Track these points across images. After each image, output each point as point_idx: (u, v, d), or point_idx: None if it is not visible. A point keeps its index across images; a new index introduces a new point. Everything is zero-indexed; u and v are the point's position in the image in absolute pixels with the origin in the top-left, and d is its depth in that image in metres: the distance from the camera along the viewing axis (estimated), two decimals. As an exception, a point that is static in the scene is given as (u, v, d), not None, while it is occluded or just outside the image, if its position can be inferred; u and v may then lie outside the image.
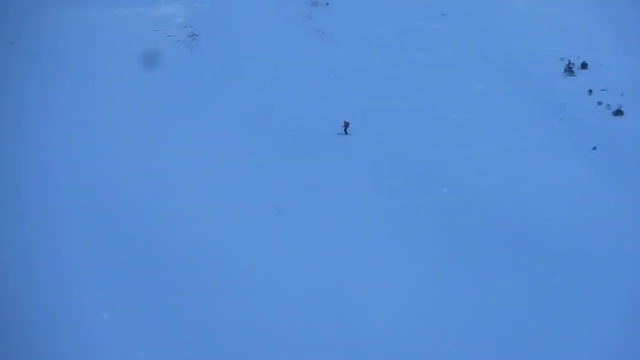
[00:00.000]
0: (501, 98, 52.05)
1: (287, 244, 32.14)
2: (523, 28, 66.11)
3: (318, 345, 26.17)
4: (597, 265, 32.58)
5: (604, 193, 39.55)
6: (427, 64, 56.98)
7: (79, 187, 34.85)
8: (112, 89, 46.26)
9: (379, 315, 27.97)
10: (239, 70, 53.10)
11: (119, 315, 26.81)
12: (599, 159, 43.71)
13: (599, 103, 51.88)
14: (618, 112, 50.42)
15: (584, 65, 58.00)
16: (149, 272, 29.41)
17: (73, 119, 41.64)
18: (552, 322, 28.66)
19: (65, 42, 51.77)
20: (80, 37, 53.30)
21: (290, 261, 30.84)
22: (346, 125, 44.42)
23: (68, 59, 49.45)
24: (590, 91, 53.37)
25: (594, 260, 32.98)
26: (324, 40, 59.87)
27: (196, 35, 57.54)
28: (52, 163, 36.69)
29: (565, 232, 35.27)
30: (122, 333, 26.00)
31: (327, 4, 67.76)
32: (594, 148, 44.71)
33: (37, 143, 38.28)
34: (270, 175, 38.28)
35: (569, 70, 57.43)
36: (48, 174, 35.72)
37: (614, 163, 43.32)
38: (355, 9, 67.28)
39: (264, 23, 61.15)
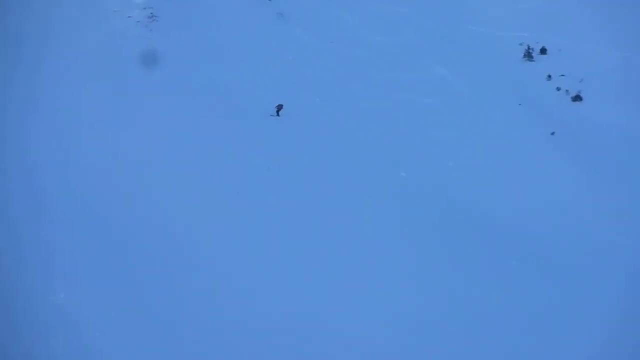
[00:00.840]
0: (462, 82, 52.05)
1: (242, 231, 31.58)
2: (484, 12, 66.26)
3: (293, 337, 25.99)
4: (556, 249, 32.99)
5: (563, 177, 39.92)
6: (388, 47, 56.80)
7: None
8: (71, 71, 45.49)
9: (339, 305, 27.76)
10: (198, 51, 52.52)
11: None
12: (557, 144, 43.92)
13: (558, 88, 52.19)
14: (577, 98, 50.74)
15: (543, 51, 58.23)
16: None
17: (34, 99, 41.03)
18: (522, 304, 28.97)
19: (22, 23, 50.89)
20: (37, 15, 52.46)
21: (257, 253, 30.40)
22: (279, 107, 43.94)
23: (25, 40, 48.61)
24: (549, 76, 53.65)
25: (554, 245, 33.30)
26: (284, 22, 59.48)
27: (156, 16, 56.92)
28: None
29: (523, 215, 35.54)
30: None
31: (288, -15, 67.41)
32: (553, 133, 44.93)
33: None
34: (228, 158, 37.96)
35: (528, 55, 57.67)
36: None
37: (573, 148, 43.66)
38: (315, -9, 67.00)
39: (224, 5, 60.62)
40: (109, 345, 24.72)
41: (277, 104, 43.73)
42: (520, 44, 58.21)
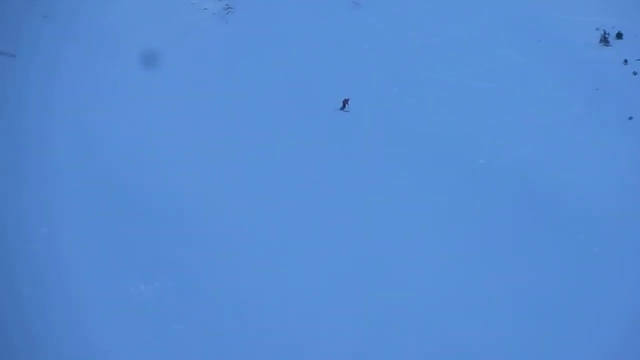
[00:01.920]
0: (536, 68, 51.91)
1: (310, 220, 32.84)
2: (559, -3, 65.73)
3: (334, 325, 26.64)
4: (635, 236, 32.93)
5: (641, 163, 39.82)
6: (462, 34, 56.81)
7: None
8: (143, 62, 46.98)
9: (408, 292, 28.54)
10: (274, 42, 53.50)
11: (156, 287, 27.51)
12: (635, 128, 43.67)
13: (634, 73, 51.65)
14: (654, 82, 50.32)
15: (619, 35, 57.59)
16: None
17: (92, 89, 42.98)
18: (593, 293, 29.15)
19: (95, 14, 52.41)
20: (113, 10, 53.95)
21: (313, 238, 31.52)
22: (345, 101, 44.46)
23: (97, 31, 50.16)
24: (626, 61, 53.08)
25: (632, 230, 33.31)
26: (359, 11, 59.96)
27: (231, 8, 58.08)
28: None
29: (603, 202, 35.47)
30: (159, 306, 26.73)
31: (362, -24, 67.76)
32: (631, 118, 44.66)
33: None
34: (302, 148, 38.92)
35: (604, 40, 57.11)
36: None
37: (651, 132, 43.38)
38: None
39: (299, -6, 61.36)
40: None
41: (343, 98, 44.32)
42: (597, 29, 57.57)
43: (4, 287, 25.90)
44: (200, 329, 25.85)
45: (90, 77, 43.94)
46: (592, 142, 41.82)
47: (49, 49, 46.06)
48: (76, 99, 41.06)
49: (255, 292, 27.88)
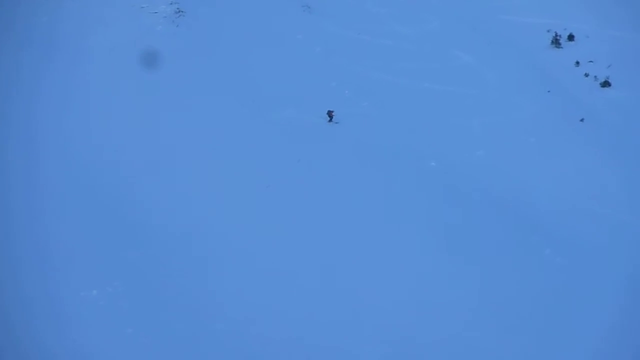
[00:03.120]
0: (488, 70, 51.83)
1: (276, 224, 32.39)
2: (509, 0, 65.88)
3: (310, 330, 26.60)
4: (587, 236, 32.98)
5: (593, 165, 39.73)
6: (414, 36, 56.61)
7: (71, 167, 35.03)
8: (98, 66, 45.97)
9: (373, 295, 28.40)
10: (226, 45, 52.72)
11: (108, 292, 27.04)
12: (587, 130, 43.76)
13: (586, 75, 51.77)
14: (605, 84, 50.37)
15: (570, 37, 57.71)
16: (140, 248, 29.65)
17: (63, 95, 41.67)
18: (548, 294, 29.12)
19: (45, 20, 51.35)
20: (61, 15, 52.90)
21: (280, 243, 31.10)
22: (330, 113, 43.54)
23: (47, 38, 49.07)
24: (578, 63, 53.24)
25: (584, 232, 33.38)
26: (310, 14, 59.51)
27: (182, 11, 57.16)
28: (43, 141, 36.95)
29: (554, 204, 35.59)
30: (111, 310, 26.24)
31: (314, -22, 67.33)
32: (582, 120, 44.75)
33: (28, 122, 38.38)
34: (257, 153, 38.33)
35: (556, 42, 57.22)
36: (38, 151, 35.93)
37: (602, 134, 43.42)
38: (342, -17, 66.89)
39: (250, -1, 60.82)
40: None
41: (327, 110, 43.52)
42: (548, 31, 57.64)
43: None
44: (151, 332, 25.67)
45: (43, 85, 43.00)
46: (544, 145, 41.80)
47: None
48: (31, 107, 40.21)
49: (210, 295, 27.77)
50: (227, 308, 27.03)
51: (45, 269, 27.53)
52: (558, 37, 57.78)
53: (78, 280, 27.22)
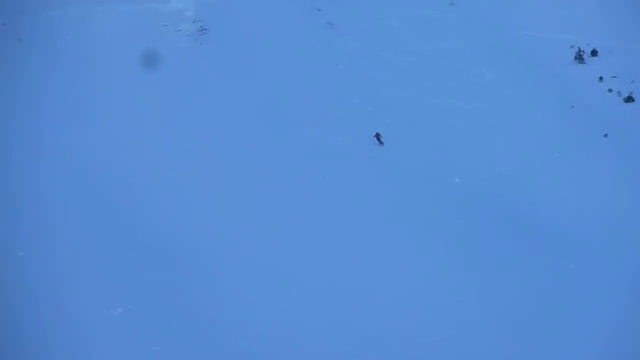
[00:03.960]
0: (511, 87, 51.88)
1: (295, 239, 32.62)
2: (532, 16, 65.54)
3: (326, 343, 26.70)
4: (608, 254, 32.91)
5: (616, 180, 39.71)
6: (436, 53, 56.77)
7: (77, 181, 35.30)
8: (120, 84, 46.41)
9: (393, 307, 28.44)
10: (249, 63, 53.07)
11: (129, 310, 27.14)
12: (610, 146, 43.69)
13: (610, 90, 51.76)
14: (629, 99, 50.33)
15: (594, 53, 57.74)
16: (154, 266, 29.76)
17: (74, 111, 42.11)
18: (566, 310, 28.98)
19: (70, 38, 51.87)
20: (87, 33, 53.43)
21: (298, 257, 31.34)
22: (378, 136, 43.21)
23: (74, 54, 49.58)
24: (601, 78, 53.22)
25: (606, 248, 33.34)
26: (333, 31, 59.76)
27: (205, 29, 57.58)
28: (49, 154, 37.35)
29: (576, 220, 35.59)
30: (132, 329, 26.33)
31: (336, -5, 67.60)
32: (606, 135, 44.67)
33: (33, 135, 38.85)
34: (279, 168, 38.53)
35: (579, 57, 57.21)
36: (44, 165, 36.26)
37: (626, 150, 43.39)
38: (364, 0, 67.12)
39: (273, 16, 60.94)
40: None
41: (375, 133, 43.16)
42: (571, 47, 57.72)
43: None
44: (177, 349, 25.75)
45: (69, 101, 43.40)
46: (567, 160, 41.80)
47: (26, 72, 45.64)
48: (59, 122, 40.58)
49: (231, 312, 27.88)
50: (251, 325, 27.09)
51: (61, 294, 27.35)
52: (581, 53, 57.71)
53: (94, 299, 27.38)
